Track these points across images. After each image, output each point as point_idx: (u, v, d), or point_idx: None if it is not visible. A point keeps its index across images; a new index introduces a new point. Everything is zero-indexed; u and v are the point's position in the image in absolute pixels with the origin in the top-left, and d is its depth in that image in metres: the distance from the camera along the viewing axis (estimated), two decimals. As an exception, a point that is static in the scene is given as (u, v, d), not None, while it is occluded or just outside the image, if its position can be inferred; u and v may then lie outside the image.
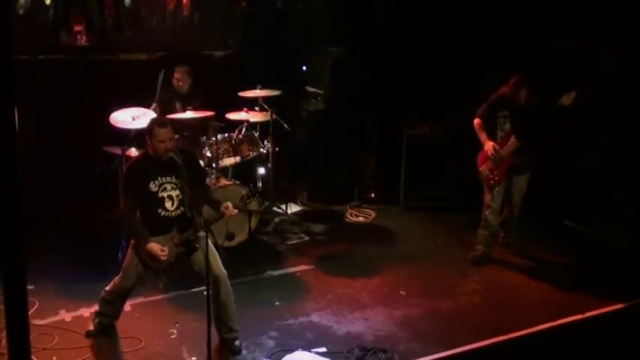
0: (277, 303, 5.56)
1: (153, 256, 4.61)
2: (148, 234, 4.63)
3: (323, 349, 4.78)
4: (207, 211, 4.96)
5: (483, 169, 6.17)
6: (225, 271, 4.69)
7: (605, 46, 6.53)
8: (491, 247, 6.34)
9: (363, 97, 7.90)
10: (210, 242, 4.40)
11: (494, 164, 6.10)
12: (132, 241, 4.76)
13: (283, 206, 7.56)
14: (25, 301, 2.22)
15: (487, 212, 6.24)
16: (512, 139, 6.04)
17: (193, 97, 6.81)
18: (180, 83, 6.84)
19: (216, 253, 4.65)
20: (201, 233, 4.62)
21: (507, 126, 6.10)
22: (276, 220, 7.32)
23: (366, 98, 7.91)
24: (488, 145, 6.07)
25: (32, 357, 4.16)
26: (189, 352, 4.74)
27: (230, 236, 6.28)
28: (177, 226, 4.68)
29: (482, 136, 6.14)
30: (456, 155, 7.22)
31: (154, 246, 4.58)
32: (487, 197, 6.23)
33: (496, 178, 6.13)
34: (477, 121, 6.18)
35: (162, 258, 4.59)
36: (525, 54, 6.88)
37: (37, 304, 5.21)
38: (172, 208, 4.66)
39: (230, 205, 4.73)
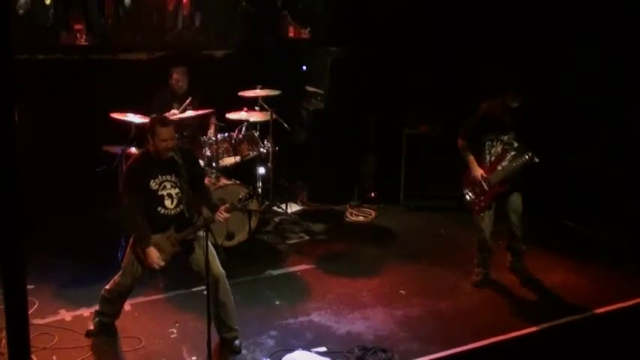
0: (277, 303, 5.56)
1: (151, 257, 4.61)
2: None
3: (323, 349, 4.79)
4: (206, 211, 4.97)
5: (468, 192, 5.79)
6: (223, 271, 4.70)
7: (605, 47, 6.54)
8: (490, 267, 6.02)
9: (363, 96, 7.90)
10: (209, 242, 4.41)
11: (479, 190, 5.72)
12: (131, 240, 4.76)
13: (283, 206, 7.56)
14: (25, 301, 2.22)
15: (479, 235, 5.86)
16: (511, 161, 5.59)
17: (192, 96, 6.81)
18: (180, 84, 6.85)
19: (214, 252, 4.65)
20: (201, 233, 4.63)
21: (497, 149, 5.66)
22: (276, 219, 7.33)
23: (366, 98, 7.91)
24: (476, 172, 5.68)
25: (32, 357, 4.17)
26: (189, 352, 4.75)
27: (230, 236, 6.30)
28: (174, 225, 4.68)
29: (470, 160, 5.72)
30: (456, 155, 7.21)
31: (153, 252, 4.59)
32: (477, 221, 5.80)
33: (482, 204, 5.74)
34: (461, 143, 5.76)
35: (161, 263, 4.60)
36: (525, 54, 6.88)
37: (37, 303, 5.21)
38: (172, 207, 4.66)
39: (223, 208, 4.74)
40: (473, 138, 5.74)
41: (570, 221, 7.24)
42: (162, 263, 4.63)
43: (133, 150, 5.99)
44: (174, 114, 6.50)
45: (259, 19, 8.23)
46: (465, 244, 6.58)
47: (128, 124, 6.13)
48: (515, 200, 5.76)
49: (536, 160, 5.52)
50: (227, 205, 4.78)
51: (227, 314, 4.74)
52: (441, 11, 7.48)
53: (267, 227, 7.11)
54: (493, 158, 5.69)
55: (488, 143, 5.69)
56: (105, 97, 6.75)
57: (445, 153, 7.46)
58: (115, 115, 6.18)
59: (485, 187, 5.68)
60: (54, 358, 4.62)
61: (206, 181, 5.70)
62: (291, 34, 8.42)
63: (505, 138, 5.64)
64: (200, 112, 6.57)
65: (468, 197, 5.81)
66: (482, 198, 5.73)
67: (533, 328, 5.15)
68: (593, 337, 5.10)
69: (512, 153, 5.62)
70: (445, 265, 6.30)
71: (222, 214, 4.73)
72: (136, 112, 6.20)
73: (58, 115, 6.97)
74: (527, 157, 5.53)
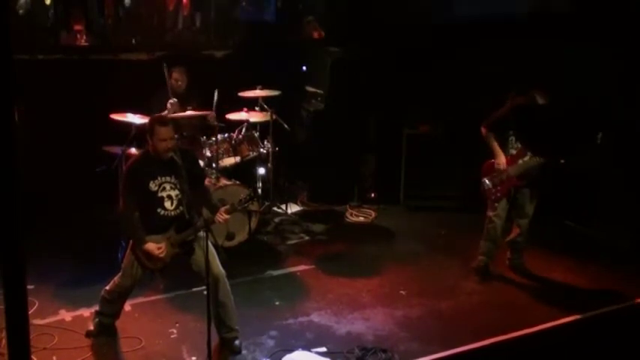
0: (277, 303, 5.56)
1: (150, 256, 4.61)
2: (146, 233, 4.64)
3: (323, 349, 4.78)
4: (206, 211, 4.96)
5: (487, 181, 5.88)
6: (223, 271, 4.69)
7: (604, 46, 6.54)
8: (494, 258, 6.10)
9: (363, 96, 7.90)
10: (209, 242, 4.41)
11: (499, 179, 5.82)
12: (131, 242, 4.76)
13: (283, 206, 7.56)
14: (25, 301, 2.21)
15: (490, 226, 5.95)
16: (531, 158, 5.73)
17: (190, 97, 6.81)
18: (179, 83, 6.84)
19: (214, 252, 4.65)
20: (201, 233, 4.63)
21: (519, 144, 5.77)
22: (276, 220, 7.33)
23: (366, 98, 7.91)
24: (501, 160, 5.76)
25: (32, 357, 4.17)
26: (189, 352, 4.74)
27: (230, 236, 6.30)
28: (174, 226, 4.68)
29: (495, 148, 5.79)
30: (456, 155, 7.22)
31: (151, 245, 4.59)
32: (490, 212, 5.92)
33: (498, 194, 5.85)
34: (486, 132, 5.81)
35: (161, 255, 4.60)
36: (524, 54, 6.88)
37: (37, 304, 5.21)
38: (172, 208, 4.66)
39: (223, 209, 4.73)
40: (497, 130, 5.84)
41: (570, 221, 7.24)
42: (163, 255, 4.63)
43: (133, 150, 6.00)
44: (173, 103, 6.51)
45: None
46: (465, 245, 6.59)
47: (128, 124, 6.13)
48: (529, 196, 5.88)
49: (562, 160, 5.75)
50: (227, 207, 4.78)
51: (227, 314, 4.74)
52: (441, 11, 7.47)
53: (267, 228, 7.11)
54: (514, 152, 5.82)
55: (511, 138, 5.82)
56: (105, 97, 6.75)
57: (445, 153, 7.50)
58: (115, 116, 6.18)
59: (504, 177, 5.80)
60: (54, 358, 4.61)
61: (206, 181, 5.71)
62: (315, 36, 8.43)
63: None
64: (199, 113, 6.57)
65: (485, 185, 5.91)
66: (499, 188, 5.85)
67: (533, 329, 5.15)
68: (594, 337, 5.09)
69: None
70: (445, 265, 6.30)
71: (222, 216, 4.73)
72: (135, 112, 6.20)
73: (58, 115, 6.97)
74: (540, 158, 5.73)
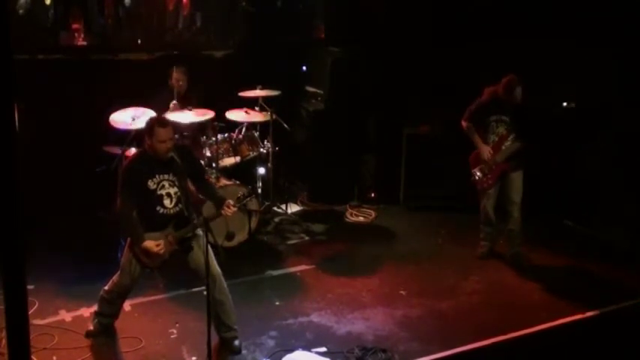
0: (277, 303, 5.56)
1: (149, 254, 4.61)
2: (145, 230, 4.63)
3: (323, 349, 4.79)
4: (206, 209, 4.94)
5: (476, 171, 6.20)
6: (219, 270, 4.69)
7: (604, 46, 6.54)
8: (495, 242, 6.43)
9: (362, 96, 7.90)
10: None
11: (487, 168, 6.13)
12: (129, 240, 4.75)
13: (283, 206, 7.56)
14: (25, 301, 2.22)
15: (484, 211, 6.28)
16: (513, 142, 6.05)
17: (191, 97, 6.81)
18: (180, 82, 6.84)
19: (211, 251, 4.64)
20: (200, 232, 4.63)
21: (501, 130, 6.09)
22: (276, 220, 7.33)
23: (366, 98, 7.91)
24: (484, 150, 6.11)
25: (32, 357, 4.17)
26: (189, 352, 4.75)
27: (230, 236, 6.30)
28: (172, 224, 4.67)
29: (477, 140, 6.17)
30: (456, 155, 7.20)
31: (149, 243, 4.58)
32: (482, 200, 6.28)
33: (489, 182, 6.16)
34: (466, 124, 6.20)
35: (160, 252, 4.59)
36: (524, 54, 6.88)
37: (37, 304, 5.21)
38: (171, 206, 4.66)
39: (230, 202, 4.73)
40: (478, 119, 6.16)
41: (570, 221, 7.24)
42: (162, 252, 4.62)
43: (133, 150, 5.99)
44: (175, 104, 6.52)
45: (259, 19, 8.23)
46: (465, 244, 6.60)
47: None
48: (517, 179, 6.14)
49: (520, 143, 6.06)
50: (230, 201, 4.76)
51: (225, 313, 4.73)
52: (441, 11, 7.47)
53: (267, 227, 7.10)
54: (497, 138, 6.12)
55: (492, 124, 6.12)
56: (105, 97, 6.74)
57: (445, 153, 7.49)
58: (114, 122, 6.13)
59: (492, 165, 6.09)
60: (54, 358, 4.62)
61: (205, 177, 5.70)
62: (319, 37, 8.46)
63: (507, 119, 6.07)
64: (199, 113, 6.57)
65: (476, 176, 6.21)
66: (489, 176, 6.15)
67: (533, 329, 5.15)
68: (594, 337, 5.10)
69: (514, 134, 6.06)
70: (445, 265, 6.30)
71: (230, 209, 4.72)
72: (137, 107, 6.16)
73: (58, 115, 6.96)
74: (520, 142, 6.04)
